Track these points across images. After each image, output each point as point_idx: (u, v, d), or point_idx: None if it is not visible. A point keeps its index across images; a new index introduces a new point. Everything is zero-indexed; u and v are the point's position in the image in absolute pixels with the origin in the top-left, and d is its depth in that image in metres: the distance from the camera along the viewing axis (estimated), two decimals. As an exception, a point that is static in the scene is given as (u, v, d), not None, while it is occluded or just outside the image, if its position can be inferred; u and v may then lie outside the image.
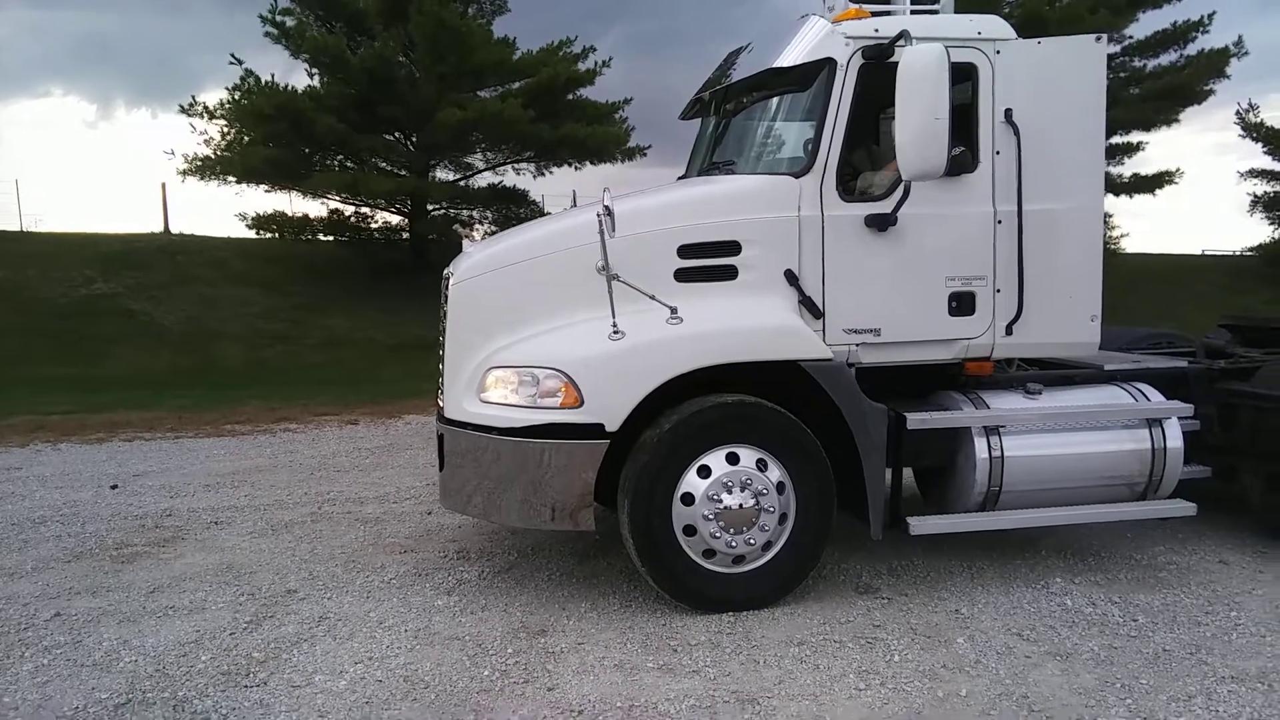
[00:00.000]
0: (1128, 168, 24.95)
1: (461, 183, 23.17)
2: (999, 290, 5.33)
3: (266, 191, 21.28)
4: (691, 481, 4.83)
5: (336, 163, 21.27)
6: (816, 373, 4.95)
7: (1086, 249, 5.46)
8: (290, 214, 21.66)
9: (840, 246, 5.14)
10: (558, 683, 4.20)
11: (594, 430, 4.75)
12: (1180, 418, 5.64)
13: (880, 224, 5.12)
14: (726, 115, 6.05)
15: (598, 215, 4.62)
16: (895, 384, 5.41)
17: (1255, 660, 4.38)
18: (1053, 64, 5.34)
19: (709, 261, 5.09)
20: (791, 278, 5.10)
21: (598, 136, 21.04)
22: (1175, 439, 5.54)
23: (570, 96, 21.86)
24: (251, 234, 21.87)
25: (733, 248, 5.10)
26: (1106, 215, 23.63)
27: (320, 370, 17.03)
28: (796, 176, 5.13)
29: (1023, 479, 5.35)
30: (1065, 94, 5.34)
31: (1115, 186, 23.32)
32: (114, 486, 8.05)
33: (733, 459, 4.87)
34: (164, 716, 3.88)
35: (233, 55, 19.20)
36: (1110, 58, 22.45)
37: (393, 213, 22.74)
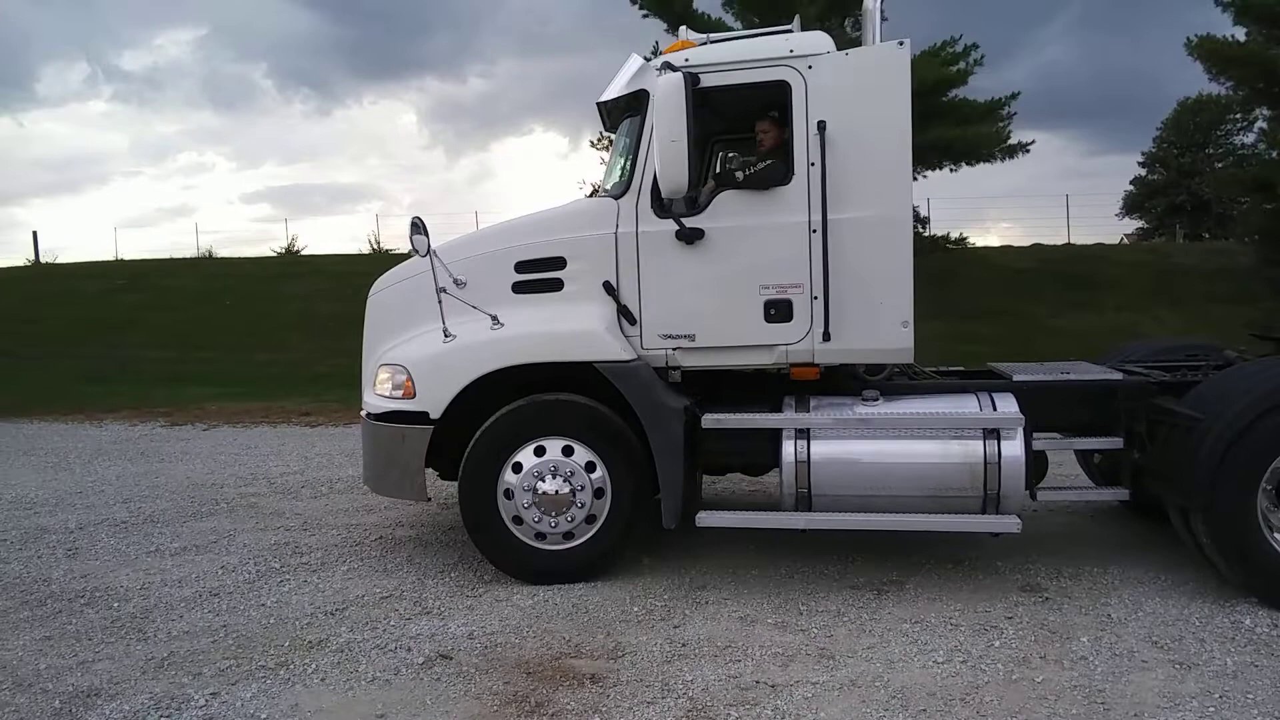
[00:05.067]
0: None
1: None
2: (816, 298, 5.40)
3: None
4: (525, 456, 5.58)
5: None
6: (609, 373, 5.51)
7: (895, 256, 5.41)
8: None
9: (654, 259, 5.60)
10: (685, 622, 5.03)
11: (423, 417, 5.69)
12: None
13: (686, 238, 5.47)
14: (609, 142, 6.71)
15: (423, 239, 5.58)
16: (766, 388, 5.76)
17: None
18: (860, 74, 5.39)
19: (539, 276, 5.82)
20: (609, 289, 5.64)
21: (967, 138, 20.50)
22: (1013, 451, 5.18)
23: (944, 98, 21.52)
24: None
25: (559, 263, 5.77)
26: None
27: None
28: (616, 198, 5.67)
29: (833, 483, 5.42)
30: (872, 102, 5.36)
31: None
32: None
33: (540, 452, 5.58)
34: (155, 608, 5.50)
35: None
36: None
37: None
